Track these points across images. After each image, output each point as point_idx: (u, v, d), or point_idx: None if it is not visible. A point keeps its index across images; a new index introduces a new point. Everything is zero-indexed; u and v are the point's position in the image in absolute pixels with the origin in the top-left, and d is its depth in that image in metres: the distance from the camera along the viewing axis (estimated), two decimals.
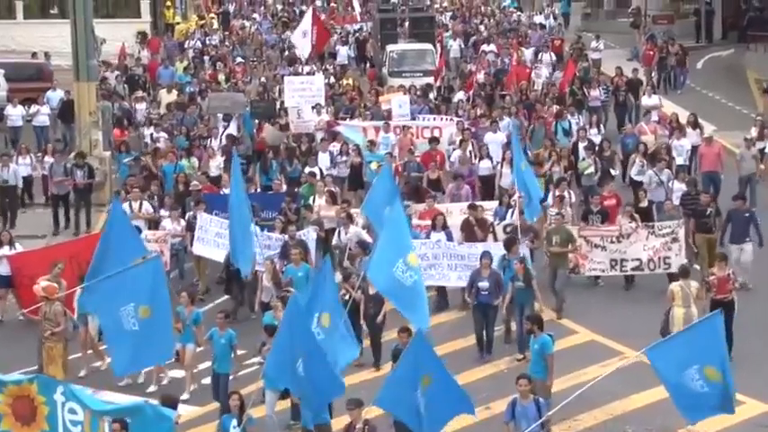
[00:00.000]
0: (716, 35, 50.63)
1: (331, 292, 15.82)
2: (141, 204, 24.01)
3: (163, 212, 23.89)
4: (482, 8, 58.22)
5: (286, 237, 21.81)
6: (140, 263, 15.49)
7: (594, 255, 22.17)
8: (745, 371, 17.87)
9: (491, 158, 26.72)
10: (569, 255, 21.79)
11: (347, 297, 18.80)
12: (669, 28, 48.90)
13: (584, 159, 26.38)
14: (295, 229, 22.12)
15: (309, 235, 22.22)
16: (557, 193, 23.61)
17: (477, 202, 23.63)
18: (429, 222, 22.31)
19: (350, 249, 21.08)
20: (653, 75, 39.69)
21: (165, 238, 22.90)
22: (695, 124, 28.58)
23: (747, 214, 22.01)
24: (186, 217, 23.55)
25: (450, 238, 21.83)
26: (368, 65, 45.84)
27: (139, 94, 35.46)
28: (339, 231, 22.38)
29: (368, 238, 21.81)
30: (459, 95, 34.66)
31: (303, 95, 31.54)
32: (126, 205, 23.78)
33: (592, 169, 26.02)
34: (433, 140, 27.95)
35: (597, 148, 26.95)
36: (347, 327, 16.22)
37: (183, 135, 29.77)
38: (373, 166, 26.31)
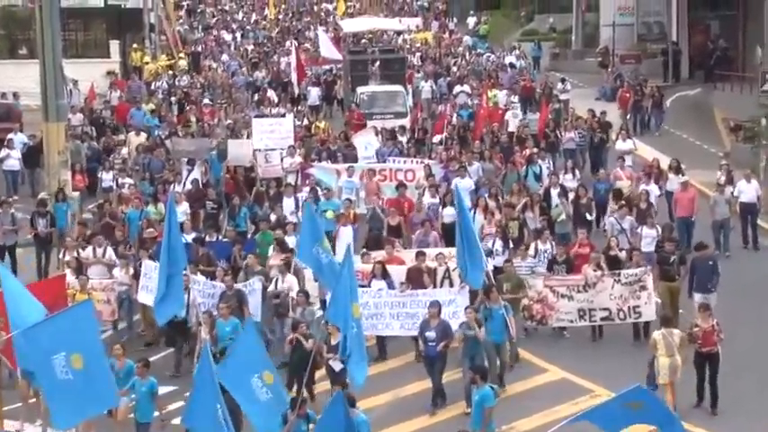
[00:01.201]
0: (683, 74, 51.07)
1: (261, 349, 15.93)
2: (105, 250, 23.65)
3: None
4: (452, 48, 58.33)
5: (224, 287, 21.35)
6: (69, 308, 15.32)
7: (561, 305, 21.69)
8: (729, 415, 17.98)
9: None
10: (535, 306, 21.57)
11: (292, 345, 18.80)
12: (636, 67, 49.35)
13: (556, 206, 25.97)
14: (231, 279, 21.54)
15: (254, 285, 21.71)
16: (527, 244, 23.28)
17: (444, 249, 23.06)
18: (369, 268, 21.84)
19: (292, 299, 20.61)
20: (628, 117, 39.82)
21: (112, 287, 22.63)
22: (678, 170, 28.17)
23: (711, 262, 21.78)
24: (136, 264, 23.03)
25: (391, 286, 21.42)
26: (336, 106, 45.88)
27: (121, 137, 35.10)
28: (276, 280, 21.81)
29: (295, 287, 21.34)
30: (436, 137, 34.09)
31: (272, 138, 31.30)
32: (89, 250, 23.60)
33: (564, 216, 25.58)
34: (401, 186, 27.39)
35: (574, 194, 26.44)
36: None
37: (147, 180, 29.47)
38: (329, 215, 25.82)
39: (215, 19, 73.53)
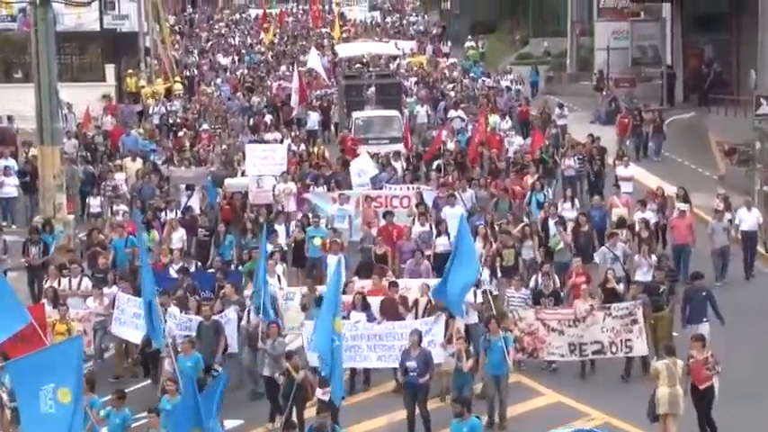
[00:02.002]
0: (678, 98, 51.18)
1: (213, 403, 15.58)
2: (81, 281, 23.49)
3: (106, 290, 22.98)
4: (446, 72, 58.22)
5: (201, 318, 21.12)
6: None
7: (552, 339, 21.32)
8: None
9: (449, 234, 25.05)
10: (526, 339, 21.25)
11: (285, 377, 18.69)
12: (631, 91, 49.46)
13: (554, 236, 25.60)
14: (209, 309, 21.23)
15: (229, 315, 21.45)
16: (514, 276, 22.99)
17: (430, 280, 22.58)
18: (350, 298, 21.55)
19: (262, 331, 20.33)
20: (627, 143, 39.78)
21: (88, 317, 22.45)
22: (685, 198, 27.65)
23: (705, 293, 21.55)
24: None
25: (370, 318, 21.19)
26: (333, 131, 45.78)
27: (118, 162, 34.98)
28: (248, 311, 21.37)
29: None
30: (437, 162, 33.63)
31: (265, 164, 31.05)
32: (66, 282, 23.37)
33: (562, 245, 25.15)
34: (388, 214, 27.07)
35: (574, 223, 26.02)
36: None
37: (138, 207, 29.27)
38: (317, 242, 25.68)
39: (210, 43, 73.57)
